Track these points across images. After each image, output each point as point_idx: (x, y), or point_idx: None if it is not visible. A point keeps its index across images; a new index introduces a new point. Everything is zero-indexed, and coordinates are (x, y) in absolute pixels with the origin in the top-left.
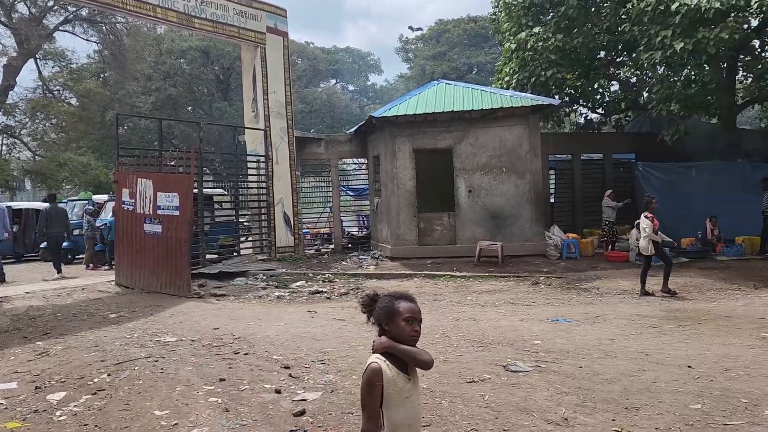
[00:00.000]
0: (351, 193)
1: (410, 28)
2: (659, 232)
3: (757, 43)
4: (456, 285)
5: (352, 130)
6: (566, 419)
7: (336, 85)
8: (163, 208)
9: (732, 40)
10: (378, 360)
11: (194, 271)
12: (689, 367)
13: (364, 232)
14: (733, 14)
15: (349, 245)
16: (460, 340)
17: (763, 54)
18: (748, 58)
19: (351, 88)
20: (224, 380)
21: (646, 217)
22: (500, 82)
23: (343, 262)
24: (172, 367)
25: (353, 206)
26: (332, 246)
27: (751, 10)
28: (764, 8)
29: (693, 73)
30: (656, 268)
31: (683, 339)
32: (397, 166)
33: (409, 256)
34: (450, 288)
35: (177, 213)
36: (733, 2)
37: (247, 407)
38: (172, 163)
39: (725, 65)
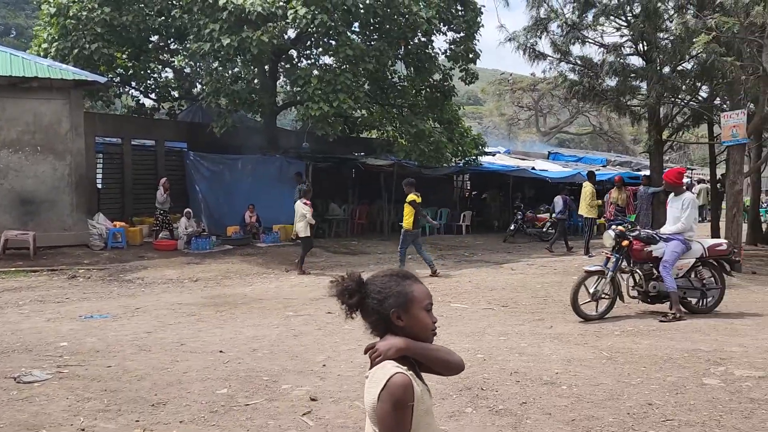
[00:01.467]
0: None
1: None
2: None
3: (294, 53)
4: None
5: None
6: (83, 429)
7: None
8: None
9: (272, 44)
10: (401, 370)
11: None
12: (221, 351)
13: None
14: (273, 22)
15: None
16: None
17: (298, 63)
18: (288, 65)
19: None
20: None
21: (304, 203)
22: (38, 48)
23: None
24: None
25: None
26: None
27: (288, 21)
28: (297, 21)
29: (241, 70)
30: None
31: (219, 324)
32: None
33: None
34: None
35: None
36: (273, 10)
37: None
38: None
39: (268, 68)
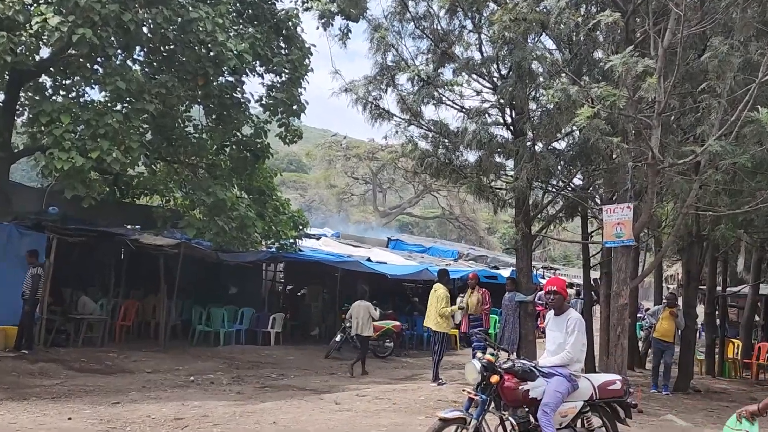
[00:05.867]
0: None
1: None
2: None
3: (49, 81)
4: None
5: None
6: None
7: None
8: None
9: (3, 61)
10: None
11: None
12: None
13: None
14: (12, 32)
15: None
16: None
17: (54, 96)
18: (37, 97)
19: None
20: None
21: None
22: None
23: None
24: None
25: None
26: None
27: (31, 32)
28: (48, 35)
29: None
30: None
31: None
32: None
33: None
34: None
35: None
36: (10, 15)
37: None
38: None
39: (4, 97)
